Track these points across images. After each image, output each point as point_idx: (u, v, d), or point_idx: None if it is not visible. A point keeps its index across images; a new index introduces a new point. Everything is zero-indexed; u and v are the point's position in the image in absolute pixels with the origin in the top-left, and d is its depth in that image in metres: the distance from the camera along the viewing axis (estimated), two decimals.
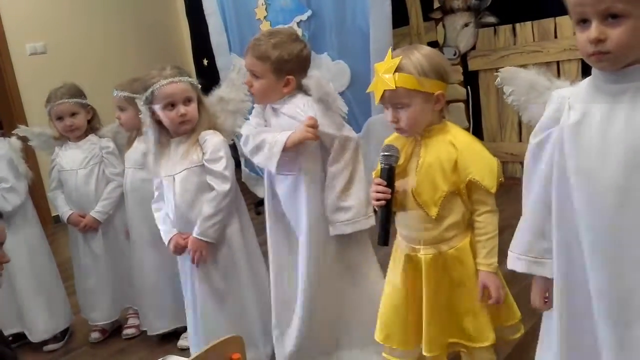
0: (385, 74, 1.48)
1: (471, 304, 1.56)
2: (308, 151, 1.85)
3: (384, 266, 1.78)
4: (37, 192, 3.83)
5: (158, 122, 2.04)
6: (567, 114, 1.17)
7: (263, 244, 2.09)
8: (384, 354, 1.68)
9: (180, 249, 2.05)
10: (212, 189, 1.99)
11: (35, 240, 2.68)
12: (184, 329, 2.34)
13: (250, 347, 1.95)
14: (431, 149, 1.54)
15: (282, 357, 2.02)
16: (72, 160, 2.62)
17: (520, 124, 3.98)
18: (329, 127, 1.82)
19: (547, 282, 1.28)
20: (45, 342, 2.68)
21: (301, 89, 1.89)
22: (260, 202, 3.94)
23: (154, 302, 2.51)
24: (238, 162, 3.40)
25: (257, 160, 1.90)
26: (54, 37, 4.84)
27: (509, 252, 1.33)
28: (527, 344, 1.71)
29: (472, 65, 4.20)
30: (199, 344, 2.11)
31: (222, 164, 1.99)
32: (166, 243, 2.09)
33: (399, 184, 1.57)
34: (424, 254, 1.57)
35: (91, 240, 2.65)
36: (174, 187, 2.03)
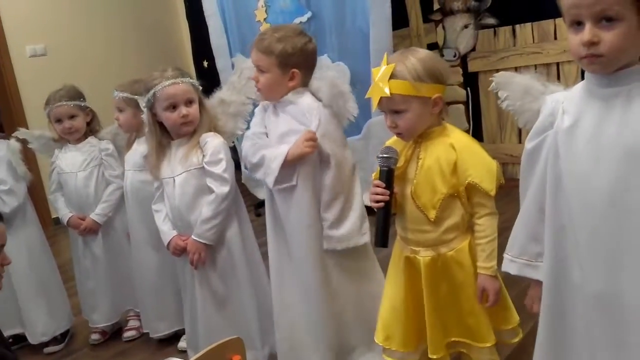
0: (380, 81, 1.48)
1: (472, 306, 1.56)
2: (306, 162, 1.84)
3: (383, 268, 1.78)
4: (37, 194, 3.85)
5: (159, 124, 2.04)
6: (561, 118, 1.18)
7: (263, 245, 2.09)
8: (384, 356, 1.68)
9: (179, 251, 2.05)
10: (211, 191, 1.99)
11: (35, 241, 2.68)
12: (185, 331, 2.33)
13: (249, 348, 1.94)
14: (431, 151, 1.54)
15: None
16: (71, 162, 2.62)
17: None
18: (330, 141, 1.82)
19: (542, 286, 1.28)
20: (46, 344, 2.68)
21: (309, 88, 1.88)
22: (260, 204, 3.94)
23: (155, 304, 2.51)
24: (238, 164, 3.40)
25: (258, 176, 1.91)
26: (54, 39, 4.85)
27: (504, 255, 1.33)
28: (526, 345, 1.70)
29: (472, 66, 4.20)
30: (197, 345, 2.11)
31: (222, 167, 1.99)
32: (165, 244, 2.10)
33: (398, 186, 1.57)
34: (423, 256, 1.57)
35: (91, 242, 2.65)
36: (173, 189, 2.03)
